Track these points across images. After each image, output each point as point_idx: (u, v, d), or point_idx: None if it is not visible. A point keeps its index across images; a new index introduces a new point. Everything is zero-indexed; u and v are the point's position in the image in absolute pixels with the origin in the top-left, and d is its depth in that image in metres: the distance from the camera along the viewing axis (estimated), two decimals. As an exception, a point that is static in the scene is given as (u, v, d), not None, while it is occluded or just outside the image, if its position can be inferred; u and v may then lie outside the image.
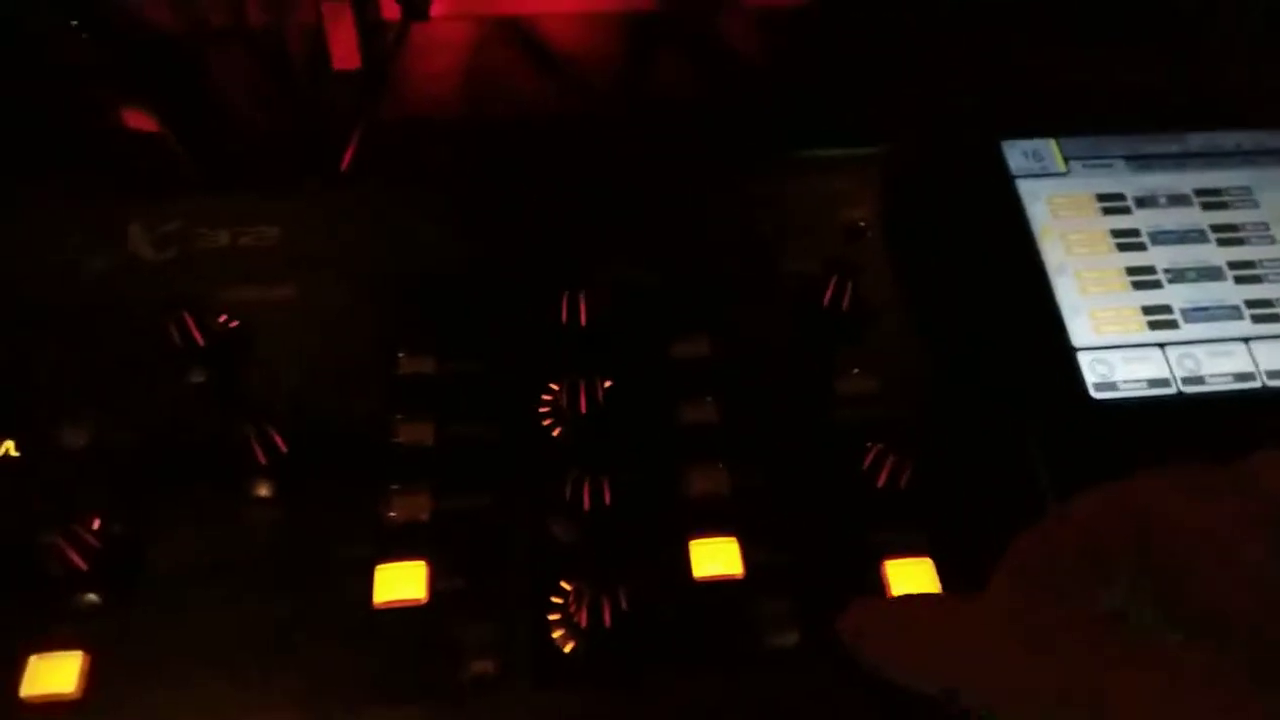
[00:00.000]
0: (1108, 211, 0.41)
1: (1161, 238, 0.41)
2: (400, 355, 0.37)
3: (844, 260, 0.38)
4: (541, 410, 0.36)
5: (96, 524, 0.32)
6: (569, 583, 0.31)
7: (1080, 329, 0.38)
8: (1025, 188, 0.41)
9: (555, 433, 0.35)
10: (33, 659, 0.29)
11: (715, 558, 0.32)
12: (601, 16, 0.59)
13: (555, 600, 0.31)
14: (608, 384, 0.35)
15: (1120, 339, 0.38)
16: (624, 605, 0.30)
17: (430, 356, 0.37)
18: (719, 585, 0.32)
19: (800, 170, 0.44)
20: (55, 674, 0.29)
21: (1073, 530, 0.23)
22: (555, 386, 0.36)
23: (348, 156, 0.50)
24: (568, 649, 0.31)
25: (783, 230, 0.42)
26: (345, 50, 0.54)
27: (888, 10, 0.56)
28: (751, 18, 0.60)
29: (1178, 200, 0.42)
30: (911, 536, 0.33)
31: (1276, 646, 0.19)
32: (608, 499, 0.32)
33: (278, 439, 0.33)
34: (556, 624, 0.31)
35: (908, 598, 0.30)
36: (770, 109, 0.55)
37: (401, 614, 0.31)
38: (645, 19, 0.59)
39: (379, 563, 0.32)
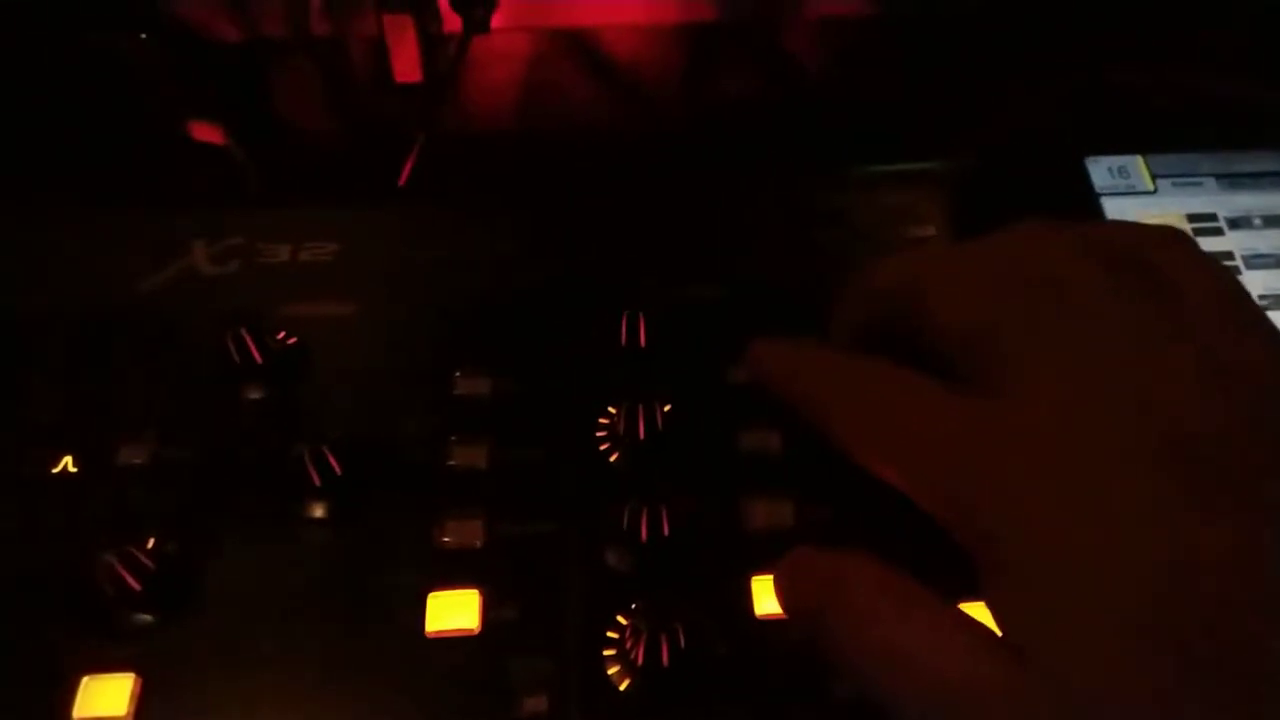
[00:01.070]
0: (1199, 234, 0.39)
1: (1256, 262, 0.38)
2: (457, 375, 0.36)
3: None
4: (598, 434, 0.35)
5: (151, 543, 0.31)
6: (625, 617, 0.30)
7: (1170, 358, 0.36)
8: (1111, 207, 0.39)
9: (612, 458, 0.34)
10: (85, 680, 0.29)
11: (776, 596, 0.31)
12: (662, 28, 0.58)
13: (610, 635, 0.30)
14: (667, 408, 0.34)
15: (1213, 369, 0.36)
16: (682, 643, 0.29)
17: (486, 377, 0.36)
18: (782, 624, 0.31)
19: (867, 185, 0.42)
20: (107, 696, 0.29)
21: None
22: (613, 410, 0.35)
23: (406, 171, 0.50)
24: (623, 687, 0.29)
25: (848, 247, 0.40)
26: (407, 63, 0.54)
27: (958, 20, 0.54)
28: (815, 28, 0.58)
29: (1273, 222, 0.39)
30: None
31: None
32: (666, 529, 0.31)
33: (332, 460, 0.32)
34: (611, 660, 0.30)
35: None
36: (834, 121, 0.53)
37: (453, 644, 0.30)
38: (706, 30, 0.58)
39: (431, 590, 0.31)
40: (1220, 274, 0.25)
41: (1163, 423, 0.21)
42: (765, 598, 0.31)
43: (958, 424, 0.24)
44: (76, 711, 0.29)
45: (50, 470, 0.34)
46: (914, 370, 0.26)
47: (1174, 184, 0.40)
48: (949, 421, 0.24)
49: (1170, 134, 0.41)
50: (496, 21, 0.55)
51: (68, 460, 0.34)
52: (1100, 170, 0.40)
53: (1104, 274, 0.24)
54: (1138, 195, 0.40)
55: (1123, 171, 0.40)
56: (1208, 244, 0.39)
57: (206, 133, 0.52)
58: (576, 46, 0.57)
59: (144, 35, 0.52)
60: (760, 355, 0.32)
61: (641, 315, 0.36)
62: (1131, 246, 0.25)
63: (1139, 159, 0.41)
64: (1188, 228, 0.39)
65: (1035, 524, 0.22)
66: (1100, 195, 0.39)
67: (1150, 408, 0.22)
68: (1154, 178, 0.40)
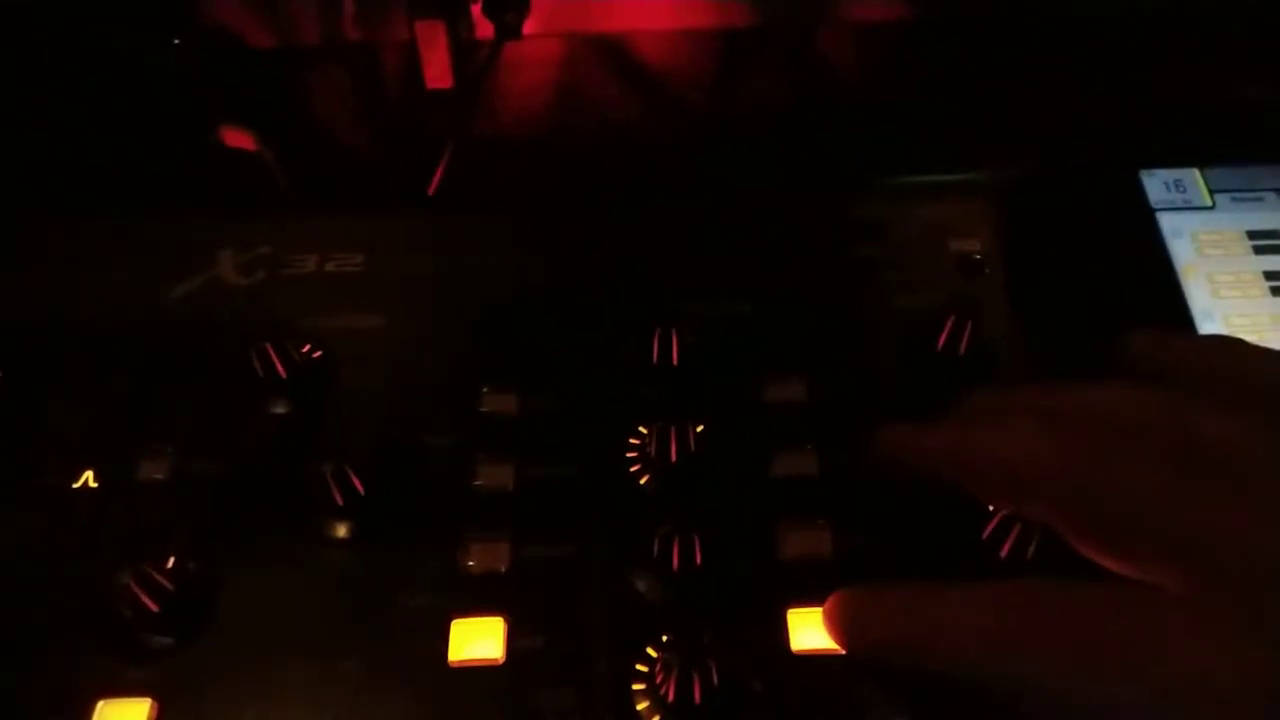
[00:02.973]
0: (1260, 250, 0.37)
1: (1322, 280, 0.37)
2: (484, 390, 0.35)
3: (963, 299, 0.35)
4: (629, 455, 0.34)
5: (171, 563, 0.31)
6: (655, 650, 0.29)
7: (1230, 382, 0.34)
8: (1167, 222, 0.38)
9: (643, 480, 0.33)
10: (100, 704, 0.29)
11: (816, 629, 0.29)
12: (696, 34, 0.57)
13: (639, 668, 0.29)
14: (700, 428, 0.33)
15: (1277, 394, 0.34)
16: (715, 679, 0.27)
17: (514, 393, 0.35)
18: (819, 660, 0.29)
19: (908, 196, 0.41)
20: (123, 722, 0.28)
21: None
22: (644, 430, 0.33)
23: (435, 179, 0.49)
24: (652, 724, 0.28)
25: (890, 262, 0.39)
26: (438, 69, 0.53)
27: (999, 25, 0.52)
28: (852, 33, 0.57)
29: (1339, 238, 0.38)
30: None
31: None
32: (699, 558, 0.30)
33: (355, 480, 0.32)
34: (640, 695, 0.29)
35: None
36: (871, 130, 0.52)
37: (477, 674, 0.29)
38: (741, 36, 0.57)
39: (455, 616, 0.30)
40: None
41: None
42: (802, 631, 0.30)
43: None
44: (91, 737, 0.28)
45: (71, 484, 0.33)
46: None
47: (1233, 199, 0.38)
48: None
49: (1229, 146, 0.39)
50: (528, 27, 0.54)
51: (89, 475, 0.33)
52: (1155, 184, 0.39)
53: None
54: (1195, 210, 0.38)
55: (1179, 185, 0.39)
56: (1269, 262, 0.37)
57: (238, 138, 0.51)
58: (608, 52, 0.56)
59: (177, 40, 0.52)
60: (838, 606, 0.29)
61: (674, 331, 0.35)
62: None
63: (1196, 172, 0.39)
64: (1247, 245, 0.37)
65: None
66: (1156, 210, 0.38)
67: None
68: (1212, 192, 0.38)
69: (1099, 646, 0.22)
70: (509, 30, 0.54)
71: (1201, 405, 0.24)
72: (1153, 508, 0.23)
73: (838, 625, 0.28)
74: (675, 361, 0.35)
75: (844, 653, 0.29)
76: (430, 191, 0.49)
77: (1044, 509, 0.25)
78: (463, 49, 0.53)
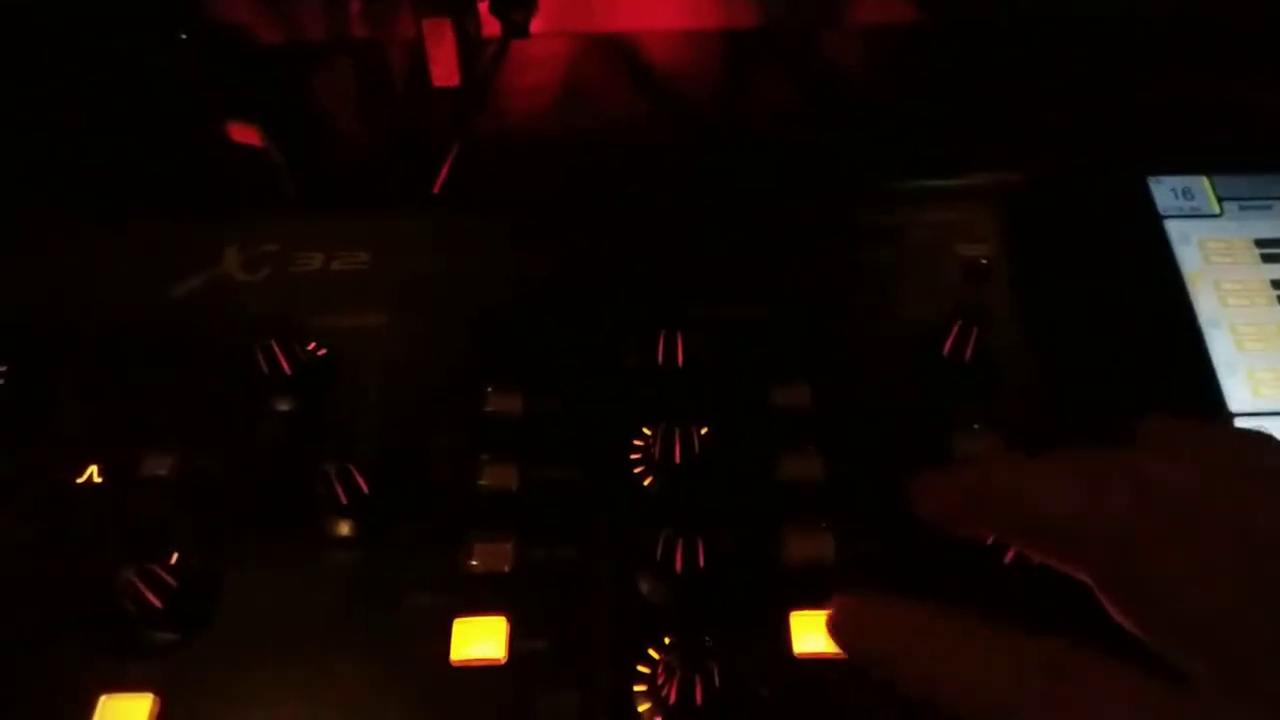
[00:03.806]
0: (1268, 259, 0.37)
1: (1328, 290, 0.36)
2: (489, 390, 0.35)
3: (970, 305, 0.35)
4: (633, 457, 0.34)
5: (174, 559, 0.31)
6: (658, 652, 0.29)
7: (1236, 391, 0.34)
8: (1175, 230, 0.37)
9: (647, 482, 0.33)
10: (103, 699, 0.29)
11: (819, 632, 0.29)
12: (702, 34, 0.57)
13: (642, 670, 0.29)
14: (704, 431, 0.33)
15: (1283, 404, 0.34)
16: (717, 682, 0.27)
17: (518, 393, 0.35)
18: (822, 664, 0.29)
19: (915, 200, 0.41)
20: (125, 716, 0.28)
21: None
22: (649, 432, 0.33)
23: (441, 177, 0.49)
24: (654, 726, 0.28)
25: (896, 266, 0.39)
26: (445, 67, 0.53)
27: (1008, 28, 0.52)
28: (859, 35, 0.57)
29: (1348, 247, 0.37)
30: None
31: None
32: (702, 560, 0.30)
33: (359, 478, 0.32)
34: (642, 696, 0.29)
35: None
36: (879, 134, 0.52)
37: (479, 673, 0.29)
38: (747, 37, 0.56)
39: (457, 615, 0.30)
40: None
41: None
42: (805, 635, 0.30)
43: None
44: (94, 732, 0.28)
45: (75, 480, 0.33)
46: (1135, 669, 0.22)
47: (1241, 207, 0.38)
48: None
49: (1238, 153, 0.39)
50: (535, 26, 0.54)
51: (93, 470, 0.33)
52: (1163, 191, 0.38)
53: None
54: (1202, 218, 0.38)
55: (1187, 193, 0.38)
56: (1274, 271, 0.37)
57: (244, 134, 0.51)
58: (616, 52, 0.56)
59: (184, 36, 0.52)
60: (849, 616, 0.27)
61: (680, 333, 0.35)
62: None
63: (1204, 179, 0.39)
64: (1255, 253, 0.37)
65: None
66: (1164, 218, 0.38)
67: None
68: (1220, 200, 0.38)
69: None
70: (516, 28, 0.54)
71: (1262, 497, 0.23)
72: (1200, 600, 0.22)
73: (845, 639, 0.27)
74: (680, 363, 0.35)
75: (846, 659, 0.28)
76: (436, 190, 0.49)
77: (1088, 572, 0.25)
78: (470, 47, 0.53)
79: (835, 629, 0.28)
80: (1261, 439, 0.26)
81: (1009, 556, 0.30)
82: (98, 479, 0.33)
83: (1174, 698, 0.21)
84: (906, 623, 0.26)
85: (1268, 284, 0.36)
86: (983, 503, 0.27)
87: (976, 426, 0.34)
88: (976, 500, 0.27)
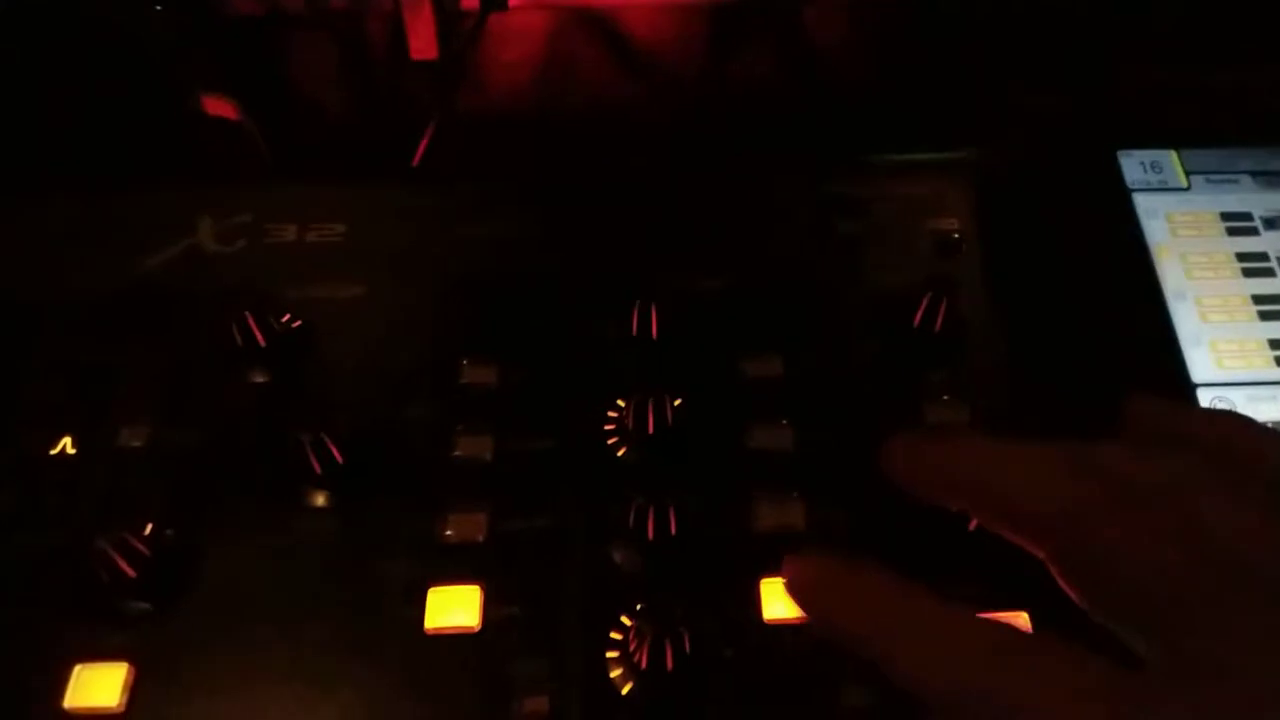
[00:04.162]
0: (1233, 232, 0.38)
1: (1294, 263, 0.37)
2: (463, 362, 0.35)
3: (940, 276, 0.35)
4: (606, 428, 0.34)
5: (148, 530, 0.31)
6: (629, 618, 0.29)
7: (1200, 362, 0.35)
8: (1142, 203, 0.38)
9: (620, 452, 0.33)
10: (78, 669, 0.29)
11: (788, 599, 0.30)
12: (682, 7, 0.57)
13: (614, 636, 0.29)
14: (677, 402, 0.33)
15: (1245, 375, 0.35)
16: (687, 647, 0.28)
17: (493, 365, 0.35)
18: (791, 630, 0.30)
19: (886, 174, 0.41)
20: (99, 686, 0.28)
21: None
22: (622, 403, 0.34)
23: (420, 151, 0.49)
24: (625, 690, 0.29)
25: (867, 239, 0.39)
26: (423, 40, 0.53)
27: (988, 5, 0.52)
28: (840, 9, 0.57)
29: (1313, 221, 0.38)
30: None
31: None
32: (673, 528, 0.30)
33: (334, 449, 0.32)
34: (614, 663, 0.29)
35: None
36: (857, 107, 0.52)
37: (453, 641, 0.30)
38: (728, 9, 0.56)
39: (432, 584, 0.31)
40: None
41: None
42: (774, 601, 0.30)
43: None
44: (67, 701, 0.28)
45: (49, 451, 0.33)
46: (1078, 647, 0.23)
47: (1208, 180, 0.39)
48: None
49: (1205, 128, 0.40)
50: (514, -1, 0.54)
51: (66, 441, 0.33)
52: (1132, 165, 0.39)
53: None
54: (1170, 191, 0.38)
55: (1155, 166, 0.39)
56: (1242, 244, 0.37)
57: (220, 107, 0.51)
58: (595, 25, 0.56)
59: (159, 6, 0.51)
60: (811, 581, 0.27)
61: (654, 305, 0.35)
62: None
63: (1172, 154, 0.39)
64: (1220, 226, 0.38)
65: None
66: (1132, 191, 0.38)
67: None
68: (1188, 174, 0.39)
69: (1051, 702, 0.22)
70: (494, 1, 0.53)
71: (1221, 486, 0.24)
72: (1148, 582, 0.23)
73: (803, 601, 0.28)
74: (654, 335, 0.35)
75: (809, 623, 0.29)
76: (414, 163, 0.48)
77: (1044, 550, 0.25)
78: (448, 20, 0.53)
79: (794, 591, 0.28)
80: (1235, 425, 0.26)
81: (973, 525, 0.31)
82: (71, 450, 0.33)
83: (1118, 677, 0.22)
84: (863, 594, 0.26)
85: (1232, 257, 0.37)
86: (950, 478, 0.28)
87: (946, 397, 0.35)
88: (944, 474, 0.28)
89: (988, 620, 0.24)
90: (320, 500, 0.33)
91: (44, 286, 0.37)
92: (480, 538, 0.32)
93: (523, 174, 0.43)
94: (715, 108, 0.54)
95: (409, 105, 0.52)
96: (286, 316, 0.36)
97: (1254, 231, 0.38)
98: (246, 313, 0.34)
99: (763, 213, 0.40)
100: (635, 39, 0.55)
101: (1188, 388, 0.34)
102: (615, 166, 0.43)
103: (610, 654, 0.29)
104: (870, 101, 0.52)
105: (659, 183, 0.41)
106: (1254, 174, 0.39)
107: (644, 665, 0.28)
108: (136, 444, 0.33)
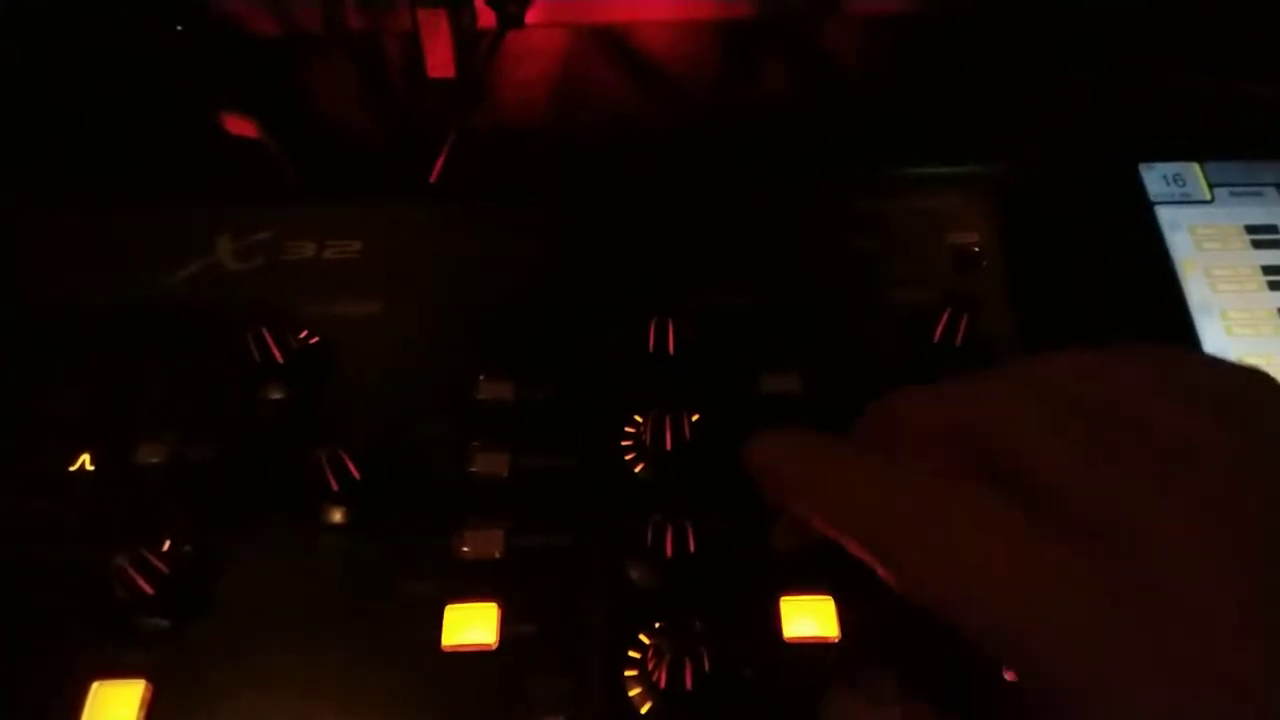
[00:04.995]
0: (1258, 245, 0.37)
1: (1320, 276, 0.37)
2: (480, 378, 0.35)
3: (961, 291, 0.35)
4: (624, 444, 0.34)
5: (166, 546, 0.31)
6: (648, 637, 0.29)
7: (1227, 377, 0.34)
8: (1166, 216, 0.37)
9: (638, 469, 0.33)
10: (95, 686, 0.29)
11: (808, 617, 0.30)
12: (698, 25, 0.57)
13: (632, 654, 0.29)
14: (695, 418, 0.33)
15: (1273, 389, 0.34)
16: (707, 666, 0.28)
17: (510, 381, 0.35)
18: (812, 648, 0.29)
19: (906, 188, 0.41)
20: (117, 703, 0.28)
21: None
22: (639, 419, 0.34)
23: (437, 168, 0.49)
24: (644, 710, 0.28)
25: (887, 254, 0.39)
26: (440, 58, 0.53)
27: (1004, 19, 0.52)
28: (857, 25, 0.57)
29: (1339, 234, 0.37)
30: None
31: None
32: (692, 546, 0.30)
33: (351, 465, 0.32)
34: (633, 681, 0.29)
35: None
36: (873, 122, 0.52)
37: (470, 659, 0.30)
38: (743, 27, 0.56)
39: (449, 601, 0.30)
40: None
41: None
42: (795, 619, 0.30)
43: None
44: (85, 718, 0.28)
45: (68, 467, 0.33)
46: (989, 495, 0.22)
47: (1232, 193, 0.38)
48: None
49: (1229, 141, 0.39)
50: (531, 17, 0.54)
51: (85, 457, 0.34)
52: (1155, 178, 0.38)
53: (1226, 436, 0.22)
54: (1194, 204, 0.38)
55: (1178, 179, 0.38)
56: (1268, 257, 0.37)
57: (241, 126, 0.51)
58: (611, 42, 0.56)
59: (181, 27, 0.52)
60: (768, 456, 0.27)
61: (671, 321, 0.35)
62: (1237, 393, 0.23)
63: (1195, 166, 0.39)
64: (1245, 239, 0.37)
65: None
66: (1155, 204, 0.38)
67: None
68: (1211, 186, 0.38)
69: (968, 549, 0.21)
70: (511, 20, 0.53)
71: (1151, 388, 0.23)
72: (1048, 468, 0.22)
73: (767, 474, 0.27)
74: (671, 351, 0.35)
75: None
76: (431, 180, 0.49)
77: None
78: (465, 38, 0.53)
79: (756, 469, 0.27)
80: (1182, 359, 0.26)
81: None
82: (90, 466, 0.33)
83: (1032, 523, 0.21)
84: (823, 472, 0.25)
85: (1258, 270, 0.37)
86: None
87: (967, 413, 0.34)
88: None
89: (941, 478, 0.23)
90: (337, 517, 0.32)
91: (64, 302, 0.37)
92: (497, 555, 0.31)
93: (540, 191, 0.43)
94: (732, 123, 0.54)
95: (427, 123, 0.52)
96: (304, 333, 0.36)
97: (1279, 245, 0.37)
98: (264, 329, 0.34)
99: (780, 228, 0.40)
100: (652, 56, 0.56)
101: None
102: (632, 183, 0.43)
103: (629, 673, 0.29)
104: (889, 116, 0.51)
105: (675, 199, 0.41)
106: (1278, 186, 0.39)
107: (663, 685, 0.28)
108: (155, 460, 0.33)
